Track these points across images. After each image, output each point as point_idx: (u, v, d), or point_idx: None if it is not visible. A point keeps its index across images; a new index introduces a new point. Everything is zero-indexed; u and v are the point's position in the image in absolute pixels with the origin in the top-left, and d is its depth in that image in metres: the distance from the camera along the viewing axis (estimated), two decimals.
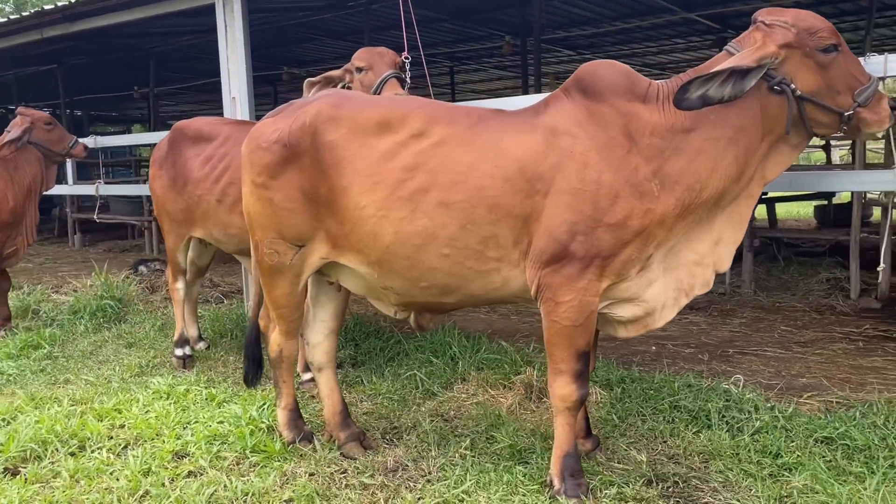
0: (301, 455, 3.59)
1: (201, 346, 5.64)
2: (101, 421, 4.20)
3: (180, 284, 5.54)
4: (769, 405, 3.73)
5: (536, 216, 2.95)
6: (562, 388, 2.99)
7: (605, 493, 3.02)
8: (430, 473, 3.32)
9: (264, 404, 4.20)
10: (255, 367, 3.90)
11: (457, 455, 3.47)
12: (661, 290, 3.03)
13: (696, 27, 12.08)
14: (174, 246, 5.39)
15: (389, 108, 3.25)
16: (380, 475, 3.34)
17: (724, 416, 3.64)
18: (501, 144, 3.02)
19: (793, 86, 2.85)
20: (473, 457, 3.43)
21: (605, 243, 2.87)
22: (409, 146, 3.11)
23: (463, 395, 4.31)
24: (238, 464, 3.56)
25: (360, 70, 4.38)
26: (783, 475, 3.11)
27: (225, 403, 4.36)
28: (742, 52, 2.86)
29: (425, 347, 4.95)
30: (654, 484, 3.10)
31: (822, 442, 3.35)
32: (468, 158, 3.02)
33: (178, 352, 5.46)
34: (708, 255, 3.05)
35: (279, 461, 3.52)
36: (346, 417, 3.72)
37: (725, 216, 3.05)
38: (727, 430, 3.53)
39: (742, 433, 3.49)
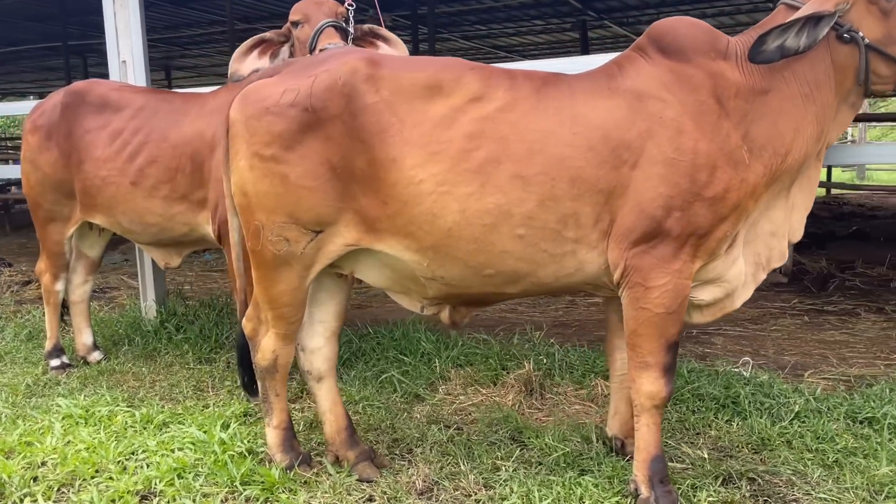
0: (306, 483, 3.07)
1: (97, 356, 4.80)
2: (9, 458, 3.40)
3: (61, 285, 4.67)
4: (789, 388, 3.70)
5: (622, 190, 2.65)
6: (649, 385, 2.72)
7: (697, 498, 2.79)
8: (473, 492, 2.93)
9: (224, 423, 3.58)
10: (249, 375, 3.32)
11: (490, 466, 3.11)
12: (741, 268, 2.85)
13: (560, 8, 12.25)
14: (59, 236, 4.53)
15: (438, 67, 2.82)
16: (415, 498, 2.91)
17: (750, 402, 3.55)
18: (577, 110, 2.69)
19: (861, 34, 2.76)
20: (514, 467, 3.08)
21: (702, 219, 2.63)
22: (468, 111, 2.70)
23: (451, 397, 3.93)
24: (230, 501, 2.97)
25: (295, 24, 3.85)
26: (852, 461, 3.05)
27: (169, 425, 3.69)
28: (813, 0, 2.73)
29: (387, 346, 4.50)
30: (732, 483, 2.92)
31: (866, 423, 3.34)
32: (542, 125, 2.67)
33: (55, 362, 4.68)
34: (783, 224, 2.90)
35: (284, 493, 2.98)
36: (353, 434, 3.23)
37: (797, 181, 2.92)
38: (764, 417, 3.44)
39: (780, 419, 3.41)
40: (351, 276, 3.15)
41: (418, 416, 3.70)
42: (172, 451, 3.37)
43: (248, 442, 3.38)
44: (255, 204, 2.89)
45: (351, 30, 3.77)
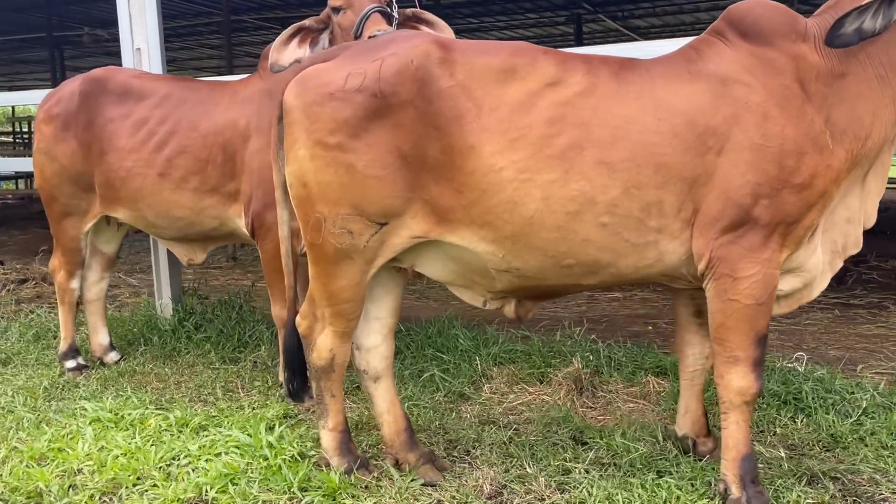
0: (367, 488, 2.93)
1: (113, 357, 4.61)
2: (42, 466, 3.23)
3: (76, 283, 4.48)
4: (850, 383, 3.63)
5: (707, 178, 2.56)
6: (739, 380, 2.62)
7: (786, 499, 2.70)
8: (546, 495, 2.82)
9: (268, 425, 3.43)
10: (301, 377, 3.15)
11: (559, 468, 3.00)
12: (819, 257, 2.77)
13: (555, 1, 12.18)
14: (75, 232, 4.33)
15: (510, 51, 2.71)
16: (483, 502, 2.79)
17: (813, 398, 3.48)
18: (658, 95, 2.60)
19: None
20: (585, 469, 2.97)
21: (790, 207, 2.55)
22: (546, 96, 2.60)
23: (498, 396, 3.81)
24: None
25: (336, 10, 3.69)
26: None
27: (206, 428, 3.53)
28: None
29: (423, 343, 4.37)
30: (817, 483, 2.83)
31: None
32: (624, 110, 2.57)
33: (70, 363, 4.48)
34: (858, 210, 2.82)
35: (348, 499, 2.84)
36: (412, 435, 3.10)
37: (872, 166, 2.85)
38: (830, 414, 3.36)
39: (847, 416, 3.34)
40: (411, 271, 3.03)
41: (468, 416, 3.58)
42: (217, 455, 3.22)
43: (297, 445, 3.23)
44: (317, 195, 2.75)
45: (395, 14, 3.63)
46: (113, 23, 13.74)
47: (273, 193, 3.70)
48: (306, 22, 3.68)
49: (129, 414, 3.67)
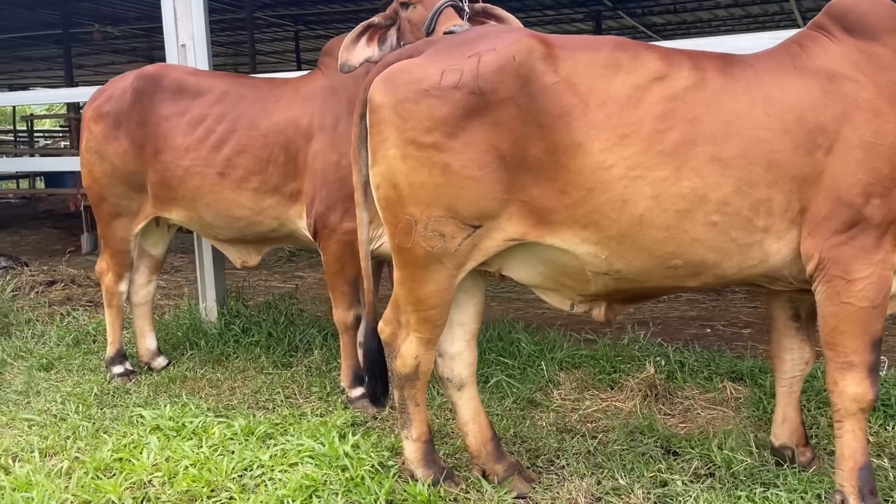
0: (456, 500, 2.84)
1: (161, 362, 4.51)
2: (103, 478, 3.14)
3: (124, 286, 4.38)
4: None
5: (815, 177, 2.49)
6: (854, 386, 2.53)
7: None
8: None
9: (340, 434, 3.34)
10: (382, 383, 3.04)
11: (654, 480, 2.90)
12: None
13: None
14: (125, 233, 4.23)
15: (613, 46, 2.64)
16: None
17: None
18: (767, 90, 2.53)
19: None
20: (684, 480, 2.87)
21: None
22: (654, 91, 2.52)
23: (570, 402, 3.72)
24: None
25: (405, 5, 3.57)
26: None
27: (273, 437, 3.44)
28: None
29: (484, 348, 4.26)
30: None
31: None
32: (734, 106, 2.50)
33: (118, 369, 4.38)
34: None
35: None
36: (499, 445, 3.01)
37: None
38: None
39: None
40: (497, 274, 2.94)
41: (543, 423, 3.48)
42: (291, 465, 3.13)
43: (375, 455, 3.14)
44: (409, 196, 2.66)
45: (467, 8, 3.53)
46: (124, 19, 13.64)
47: (337, 194, 3.65)
48: (374, 19, 3.57)
49: (191, 422, 3.57)
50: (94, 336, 5.10)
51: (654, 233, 2.53)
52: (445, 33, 3.25)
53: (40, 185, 16.18)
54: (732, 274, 2.62)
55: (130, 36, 15.37)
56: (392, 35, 3.56)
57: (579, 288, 2.80)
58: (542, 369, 3.98)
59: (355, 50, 3.52)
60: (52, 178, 16.09)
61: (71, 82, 16.22)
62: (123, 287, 4.37)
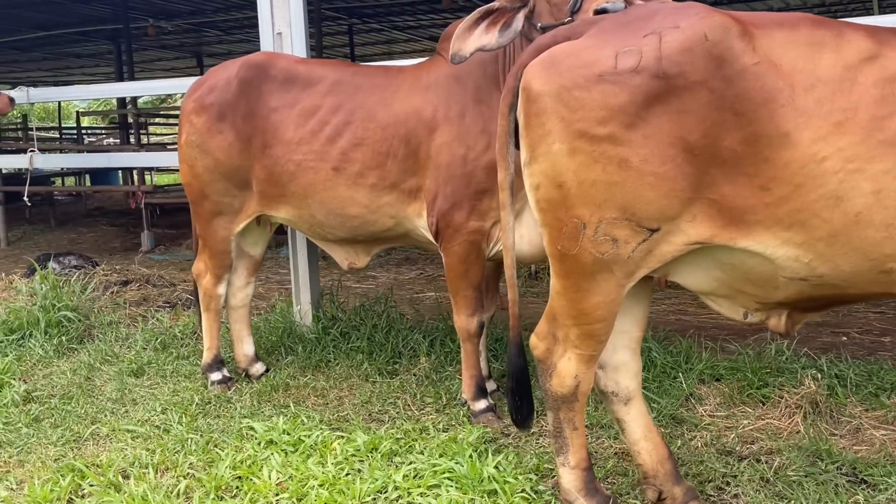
0: None
1: (259, 368, 4.32)
2: (226, 498, 2.95)
3: (223, 288, 4.19)
4: None
5: None
6: None
7: None
8: None
9: (478, 452, 3.11)
10: (526, 404, 2.79)
11: None
12: None
13: None
14: (226, 233, 4.04)
15: (811, 22, 2.34)
16: None
17: None
18: None
19: None
20: None
21: None
22: (867, 72, 2.22)
23: (721, 419, 3.44)
24: None
25: None
26: None
27: (398, 454, 3.22)
28: None
29: None
30: None
31: None
32: None
33: (216, 376, 4.18)
34: None
35: None
36: (676, 465, 2.75)
37: None
38: None
39: None
40: (663, 280, 2.68)
41: (698, 444, 3.21)
42: (431, 488, 2.91)
43: (522, 478, 2.90)
44: (577, 196, 2.40)
45: None
46: (178, 14, 13.56)
47: (463, 191, 3.42)
48: (496, 3, 3.30)
49: (307, 436, 3.37)
50: (182, 339, 4.94)
51: (871, 233, 2.24)
52: (597, 11, 2.99)
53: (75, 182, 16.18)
54: None
55: (181, 31, 15.34)
56: (519, 19, 3.28)
57: (762, 295, 2.52)
58: (679, 382, 3.70)
59: (469, 38, 3.23)
60: (99, 176, 16.18)
61: (121, 78, 16.28)
62: (222, 289, 4.18)
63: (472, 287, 3.55)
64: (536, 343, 2.68)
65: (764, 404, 3.51)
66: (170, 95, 25.35)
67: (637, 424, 2.72)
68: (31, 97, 5.62)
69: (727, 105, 2.26)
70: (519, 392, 2.77)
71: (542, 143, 2.43)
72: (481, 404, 3.60)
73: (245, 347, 4.32)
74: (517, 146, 2.61)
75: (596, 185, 2.36)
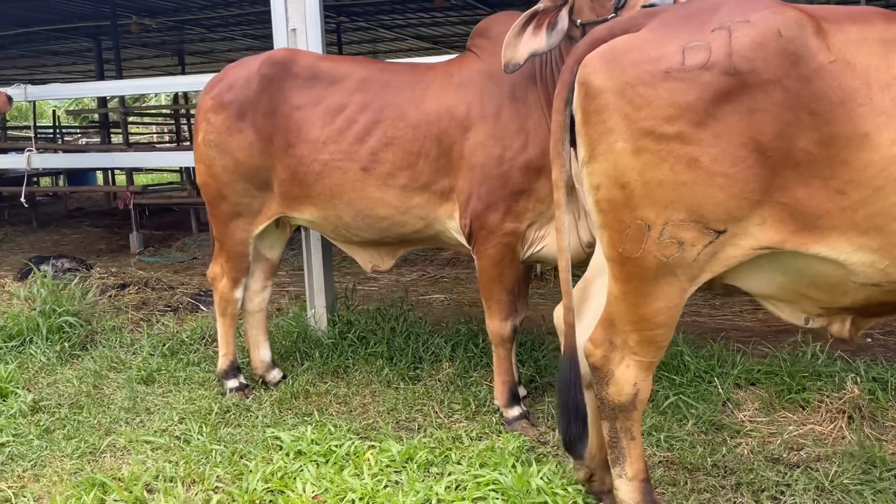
0: None
1: (276, 375, 4.19)
2: None
3: (240, 292, 4.06)
4: None
5: None
6: None
7: None
8: None
9: (521, 462, 3.01)
10: (579, 423, 2.67)
11: None
12: None
13: None
14: (244, 234, 3.90)
15: (883, 17, 2.28)
16: None
17: None
18: None
19: None
20: None
21: None
22: None
23: (764, 426, 3.37)
24: None
25: None
26: None
27: (436, 464, 3.12)
28: None
29: None
30: None
31: None
32: None
33: (233, 383, 4.05)
34: None
35: None
36: None
37: None
38: None
39: None
40: (720, 284, 2.60)
41: (744, 451, 3.13)
42: (476, 500, 2.81)
43: (573, 490, 2.81)
44: (642, 197, 2.31)
45: None
46: (162, 11, 13.32)
47: (499, 192, 3.33)
48: (539, 5, 3.19)
49: (338, 445, 3.26)
50: (190, 344, 4.79)
51: None
52: (644, 7, 2.91)
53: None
54: None
55: (164, 29, 15.08)
56: (563, 17, 3.19)
57: (827, 300, 2.44)
58: (715, 387, 3.63)
59: (520, 44, 3.14)
60: (76, 176, 15.82)
61: (101, 77, 15.99)
62: (239, 294, 4.05)
63: (506, 291, 3.45)
64: (592, 350, 2.59)
65: (804, 409, 3.46)
66: (143, 95, 25.05)
67: (590, 408, 2.70)
68: (30, 95, 5.42)
69: (802, 105, 2.18)
70: (572, 410, 2.66)
71: (603, 142, 2.34)
72: (515, 411, 3.50)
73: (262, 353, 4.19)
74: (572, 143, 2.52)
75: (663, 186, 2.28)
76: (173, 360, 4.57)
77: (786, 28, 2.19)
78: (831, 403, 3.36)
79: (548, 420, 3.57)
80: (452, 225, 3.51)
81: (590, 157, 2.39)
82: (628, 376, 2.51)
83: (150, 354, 4.69)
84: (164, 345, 4.77)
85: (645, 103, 2.26)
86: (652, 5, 2.88)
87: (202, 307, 5.84)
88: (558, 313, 2.82)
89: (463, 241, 3.52)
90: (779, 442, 3.18)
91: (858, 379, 3.51)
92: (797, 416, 3.41)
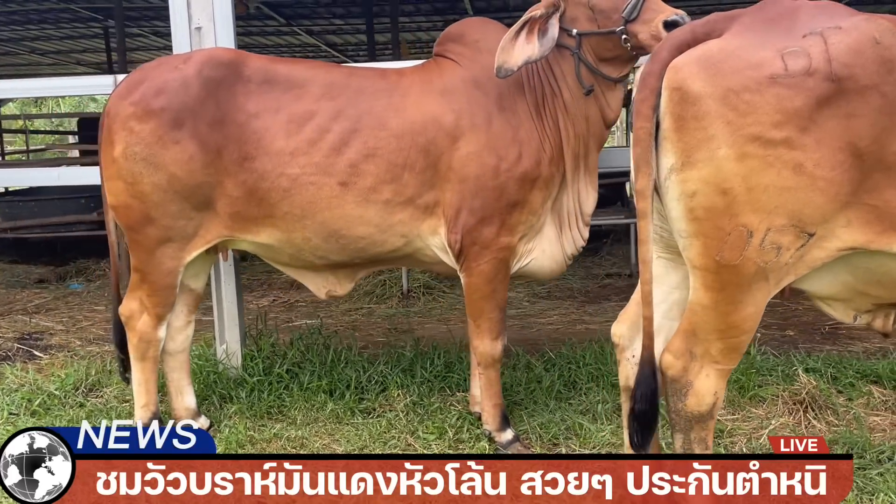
0: None
1: (203, 423, 3.56)
2: None
3: (164, 331, 3.40)
4: None
5: None
6: None
7: None
8: None
9: None
10: (646, 428, 2.52)
11: None
12: None
13: None
14: (174, 263, 3.28)
15: None
16: None
17: None
18: None
19: None
20: None
21: None
22: None
23: (737, 422, 3.44)
24: None
25: None
26: None
27: None
28: None
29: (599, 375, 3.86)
30: None
31: None
32: None
33: None
34: None
35: None
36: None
37: None
38: None
39: None
40: (787, 289, 2.60)
41: (741, 449, 3.18)
42: None
43: None
44: (745, 203, 2.27)
45: None
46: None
47: (494, 204, 3.15)
48: (534, 11, 3.04)
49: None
50: (65, 399, 3.94)
51: None
52: (667, 23, 2.85)
53: None
54: None
55: None
56: (553, 24, 3.06)
57: (886, 297, 2.55)
58: None
59: (514, 50, 2.99)
60: None
61: None
62: (163, 332, 3.38)
63: (498, 308, 3.23)
64: (672, 362, 2.47)
65: (763, 403, 3.59)
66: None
67: None
68: None
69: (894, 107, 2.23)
70: (650, 418, 2.50)
71: (702, 148, 2.26)
72: (508, 435, 3.29)
73: (186, 399, 3.57)
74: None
75: (768, 191, 2.25)
76: (48, 419, 3.71)
77: (882, 36, 2.25)
78: (788, 397, 3.52)
79: (541, 440, 3.36)
80: (435, 241, 3.22)
81: (683, 164, 2.30)
82: (708, 386, 2.45)
83: (13, 415, 3.78)
84: (27, 400, 3.86)
85: (752, 109, 2.23)
86: (674, 22, 2.83)
87: (35, 352, 4.89)
88: (618, 330, 2.67)
89: (445, 258, 3.24)
90: (762, 438, 3.26)
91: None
92: (760, 410, 3.53)
